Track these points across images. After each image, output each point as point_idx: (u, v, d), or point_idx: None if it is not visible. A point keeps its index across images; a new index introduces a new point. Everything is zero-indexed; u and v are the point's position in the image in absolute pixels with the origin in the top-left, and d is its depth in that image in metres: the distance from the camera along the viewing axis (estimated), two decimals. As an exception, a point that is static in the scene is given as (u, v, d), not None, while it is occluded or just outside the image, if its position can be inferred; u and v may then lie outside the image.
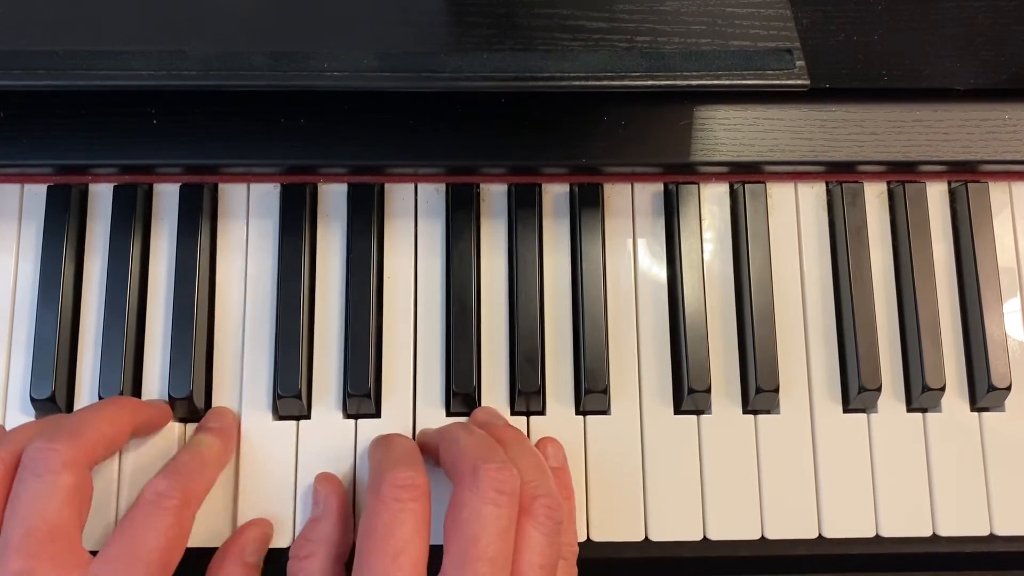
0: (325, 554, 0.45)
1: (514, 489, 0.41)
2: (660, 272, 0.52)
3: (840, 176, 0.53)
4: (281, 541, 0.48)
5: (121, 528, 0.41)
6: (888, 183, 0.53)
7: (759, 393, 0.49)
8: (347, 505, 0.47)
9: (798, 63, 0.45)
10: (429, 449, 0.47)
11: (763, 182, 0.52)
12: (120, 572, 0.40)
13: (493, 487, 0.40)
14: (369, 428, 0.49)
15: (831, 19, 0.50)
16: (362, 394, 0.49)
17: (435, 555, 0.41)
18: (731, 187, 0.53)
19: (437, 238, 0.52)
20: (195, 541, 0.47)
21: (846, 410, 0.51)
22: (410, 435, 0.49)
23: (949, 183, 0.53)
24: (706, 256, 0.52)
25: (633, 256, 0.52)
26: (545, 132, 0.50)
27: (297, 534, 0.47)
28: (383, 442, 0.47)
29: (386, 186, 0.52)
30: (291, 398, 0.48)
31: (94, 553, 0.41)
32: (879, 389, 0.50)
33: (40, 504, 0.40)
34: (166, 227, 0.51)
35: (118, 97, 0.49)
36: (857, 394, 0.50)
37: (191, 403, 0.48)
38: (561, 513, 0.42)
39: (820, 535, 0.49)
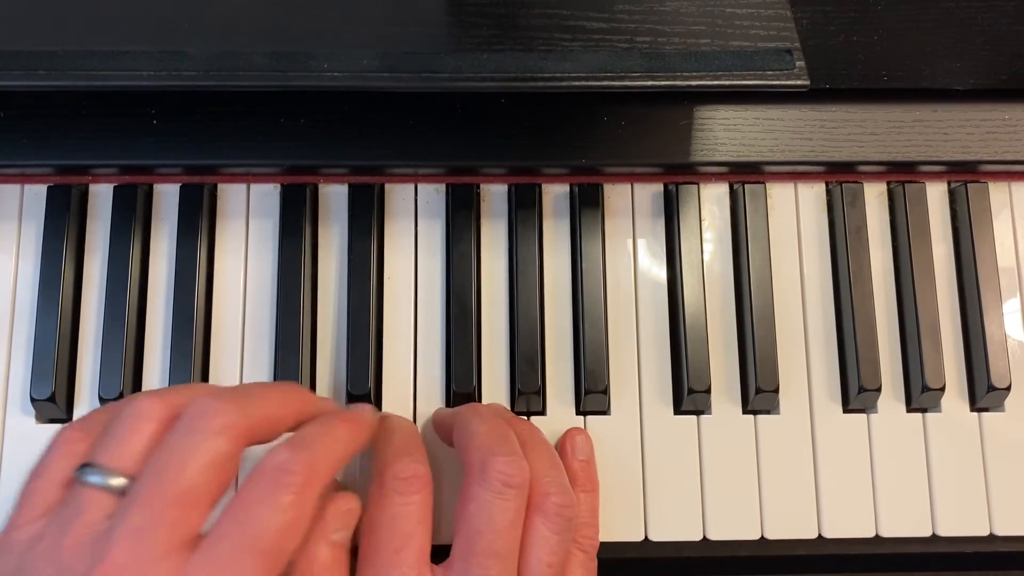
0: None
1: (523, 483, 0.40)
2: (660, 272, 0.52)
3: (840, 176, 0.53)
4: (281, 541, 0.48)
5: (232, 504, 0.36)
6: (888, 183, 0.53)
7: (759, 393, 0.49)
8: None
9: (798, 63, 0.45)
10: (443, 430, 0.47)
11: (763, 182, 0.52)
12: (226, 557, 0.35)
13: (501, 480, 0.40)
14: (369, 428, 0.49)
15: (831, 19, 0.50)
16: (362, 394, 0.49)
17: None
18: (731, 187, 0.53)
19: (437, 238, 0.52)
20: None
21: (846, 410, 0.51)
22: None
23: (949, 183, 0.53)
24: (706, 256, 0.52)
25: (633, 256, 0.52)
26: (545, 132, 0.50)
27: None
28: (383, 428, 0.45)
29: (386, 186, 0.52)
30: (291, 398, 0.48)
31: None
32: (879, 389, 0.50)
33: (181, 462, 0.36)
34: (166, 227, 0.51)
35: (118, 97, 0.49)
36: (857, 394, 0.50)
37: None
38: (573, 510, 0.42)
39: (820, 535, 0.49)
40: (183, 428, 0.37)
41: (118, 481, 0.36)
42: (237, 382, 0.50)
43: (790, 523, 0.49)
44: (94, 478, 0.36)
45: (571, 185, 0.52)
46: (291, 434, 0.40)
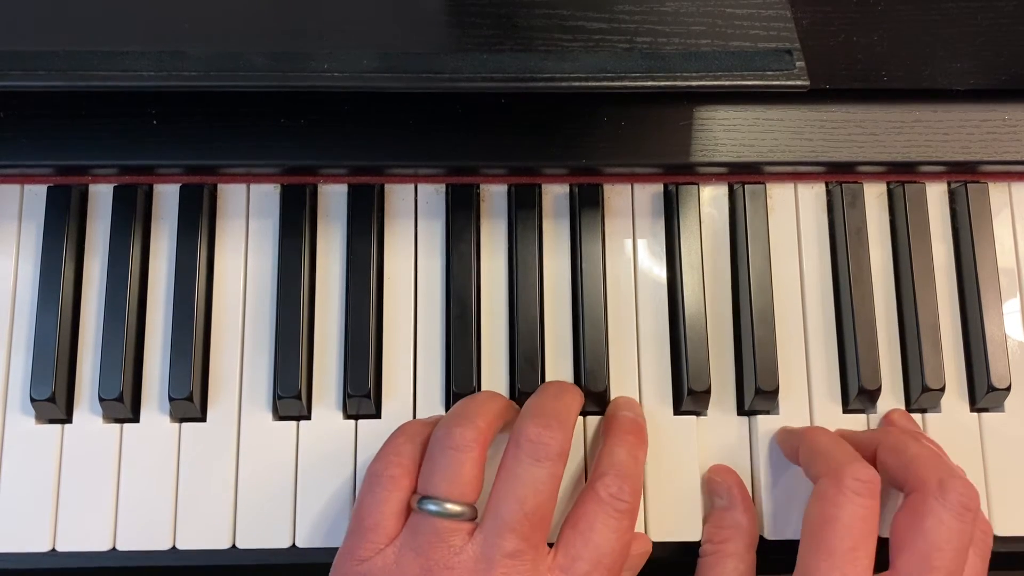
0: (739, 539, 0.47)
1: (977, 508, 0.42)
2: (660, 272, 0.52)
3: (840, 176, 0.53)
4: (282, 542, 0.48)
5: (578, 524, 0.42)
6: (888, 184, 0.53)
7: (759, 394, 0.49)
8: (749, 495, 0.49)
9: (798, 64, 0.45)
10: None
11: (763, 183, 0.52)
12: (582, 571, 0.41)
13: (961, 502, 0.41)
14: (369, 428, 0.49)
15: (831, 20, 0.50)
16: (362, 394, 0.49)
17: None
18: (731, 188, 0.53)
19: (437, 238, 0.52)
20: (194, 543, 0.48)
21: (845, 411, 0.51)
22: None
23: (949, 183, 0.53)
24: (706, 256, 0.52)
25: (633, 256, 0.52)
26: (545, 132, 0.50)
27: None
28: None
29: (386, 186, 0.52)
30: (291, 399, 0.48)
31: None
32: (879, 390, 0.50)
33: (538, 490, 0.41)
34: (166, 227, 0.51)
35: (118, 97, 0.49)
36: (856, 395, 0.50)
37: (191, 403, 0.48)
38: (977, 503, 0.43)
39: (820, 535, 0.49)
40: (528, 457, 0.42)
41: (456, 508, 0.42)
42: (237, 382, 0.50)
43: (790, 524, 0.49)
44: (434, 507, 0.42)
45: (571, 185, 0.52)
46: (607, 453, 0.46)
